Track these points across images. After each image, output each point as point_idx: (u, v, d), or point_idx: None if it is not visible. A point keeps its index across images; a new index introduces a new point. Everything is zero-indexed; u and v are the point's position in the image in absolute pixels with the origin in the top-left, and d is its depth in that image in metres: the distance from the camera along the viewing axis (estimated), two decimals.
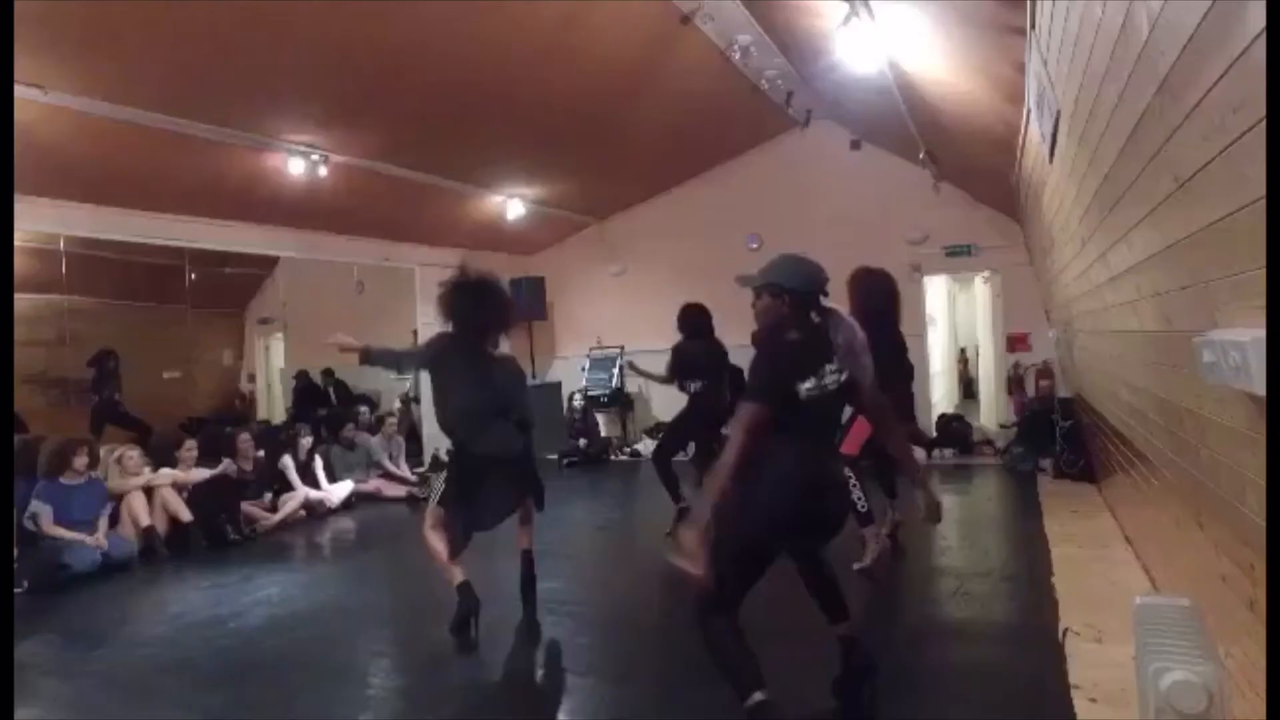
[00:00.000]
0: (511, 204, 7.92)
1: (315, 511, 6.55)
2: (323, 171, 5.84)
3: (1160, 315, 2.26)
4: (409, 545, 5.81)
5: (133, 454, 5.71)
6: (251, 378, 11.55)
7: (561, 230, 9.62)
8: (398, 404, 9.78)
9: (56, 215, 5.75)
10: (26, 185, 5.17)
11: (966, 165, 6.40)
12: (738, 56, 6.12)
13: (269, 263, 10.65)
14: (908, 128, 6.13)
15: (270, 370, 11.62)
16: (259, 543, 5.83)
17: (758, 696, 2.11)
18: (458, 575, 3.57)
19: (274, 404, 11.44)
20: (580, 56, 5.36)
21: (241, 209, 6.56)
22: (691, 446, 5.80)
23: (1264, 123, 1.14)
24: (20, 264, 7.31)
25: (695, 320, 5.55)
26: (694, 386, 5.46)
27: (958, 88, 4.45)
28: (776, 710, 2.12)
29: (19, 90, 4.09)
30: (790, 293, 2.41)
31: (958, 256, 8.01)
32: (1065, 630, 3.05)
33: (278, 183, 5.97)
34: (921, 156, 6.79)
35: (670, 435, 5.70)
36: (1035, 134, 3.80)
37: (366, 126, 5.73)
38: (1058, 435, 6.29)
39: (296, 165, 5.70)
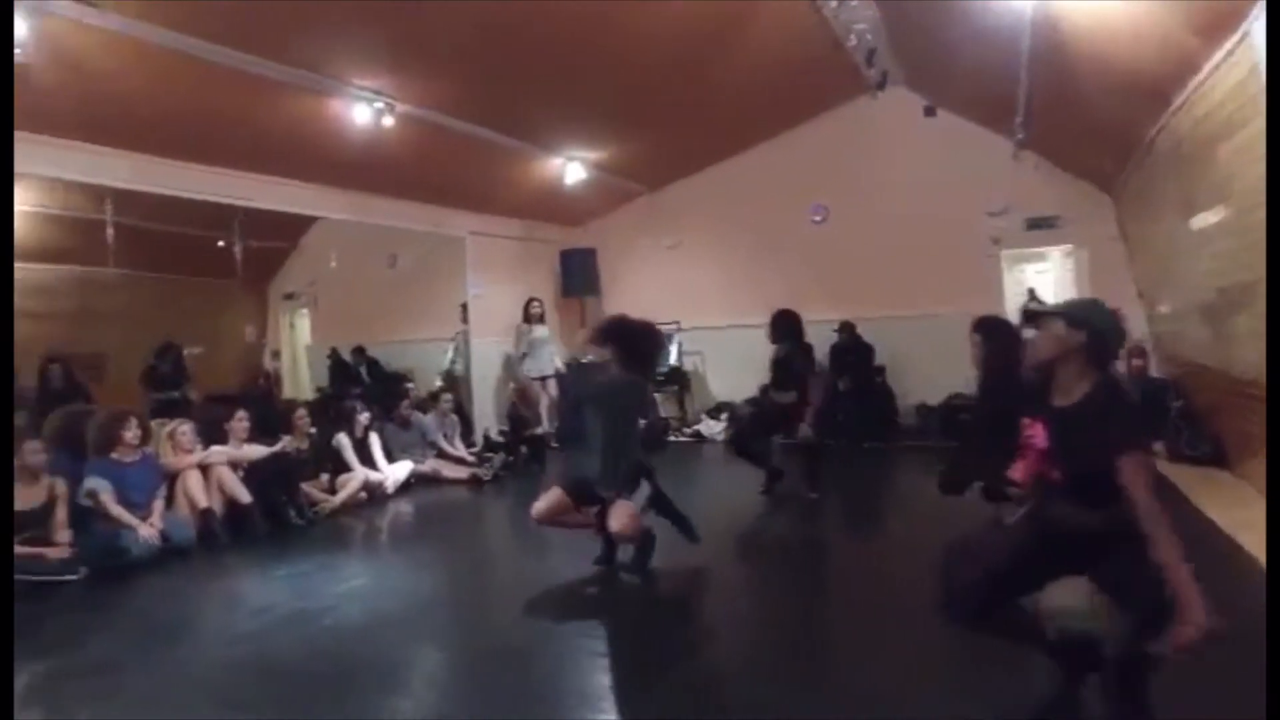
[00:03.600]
0: (571, 167, 7.45)
1: (374, 494, 6.11)
2: (388, 121, 5.36)
3: None
4: (487, 529, 5.47)
5: (185, 429, 5.25)
6: (276, 354, 11.08)
7: (612, 200, 9.15)
8: (439, 383, 9.32)
9: (90, 162, 5.22)
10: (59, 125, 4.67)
11: (1081, 125, 5.96)
12: (833, 3, 5.69)
13: (295, 234, 10.16)
14: (1011, 84, 5.69)
15: (296, 347, 11.14)
16: (321, 526, 5.39)
17: None
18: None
19: (299, 382, 10.97)
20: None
21: (294, 164, 6.06)
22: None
23: None
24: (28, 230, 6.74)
25: (786, 326, 5.61)
26: (785, 398, 5.47)
27: (1120, 22, 4.00)
28: None
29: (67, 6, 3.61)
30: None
31: (1040, 229, 7.59)
32: None
33: (336, 134, 5.49)
34: (1019, 119, 6.36)
35: (750, 429, 5.78)
36: (1243, 66, 3.39)
37: (435, 73, 5.25)
38: (1173, 416, 5.90)
39: (362, 113, 5.22)
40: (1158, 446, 5.98)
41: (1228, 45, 3.44)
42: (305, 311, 10.95)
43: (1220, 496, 4.82)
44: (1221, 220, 4.31)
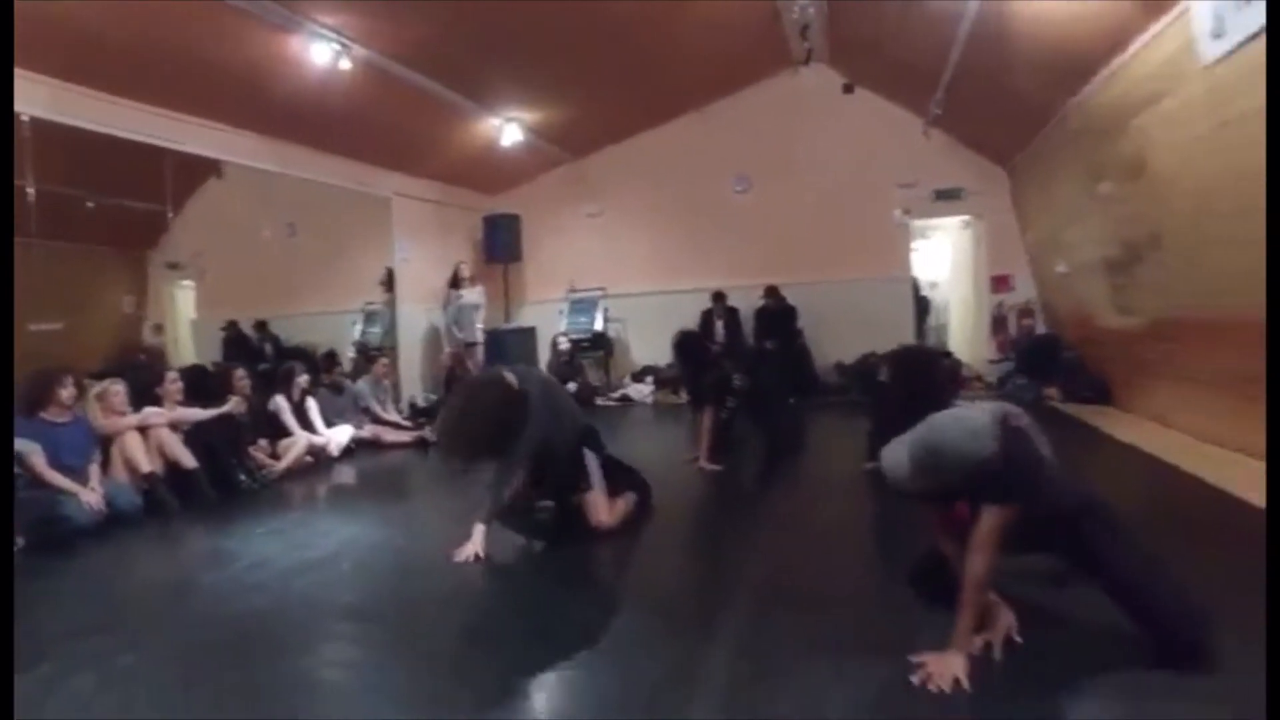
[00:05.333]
0: (509, 128, 7.33)
1: (318, 458, 5.83)
2: (345, 65, 5.11)
3: None
4: (448, 487, 5.33)
5: (118, 389, 4.80)
6: (158, 329, 10.16)
7: (536, 167, 9.07)
8: (352, 355, 8.91)
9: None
10: None
11: (993, 103, 6.55)
12: None
13: (179, 196, 9.35)
14: (934, 65, 6.18)
15: (180, 321, 10.26)
16: (270, 490, 5.08)
17: None
18: None
19: (184, 359, 10.10)
20: None
21: (233, 109, 5.62)
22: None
23: None
24: None
25: None
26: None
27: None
28: None
29: None
30: None
31: (946, 200, 8.27)
32: None
33: (284, 76, 5.17)
34: (938, 96, 6.90)
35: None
36: (1175, 42, 3.90)
37: (389, 18, 5.03)
38: (1065, 364, 6.67)
39: (320, 53, 4.94)
40: (1052, 391, 6.75)
41: (1164, 21, 3.93)
42: (190, 283, 10.12)
43: (1113, 423, 5.59)
44: (1132, 184, 4.91)
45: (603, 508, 3.63)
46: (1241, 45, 3.41)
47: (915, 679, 1.98)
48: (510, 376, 3.31)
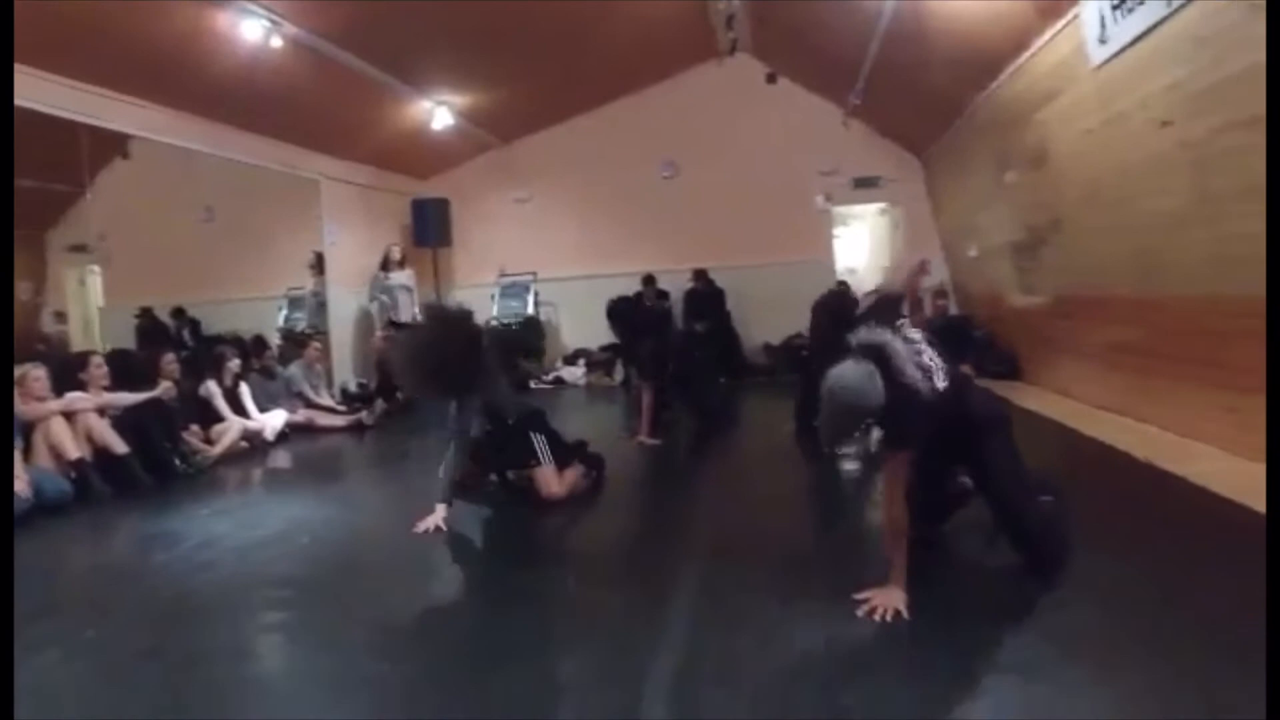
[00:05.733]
0: (439, 112, 7.30)
1: (253, 443, 5.74)
2: (276, 42, 5.03)
3: None
4: (390, 468, 5.35)
5: (39, 374, 4.61)
6: (60, 316, 9.63)
7: (464, 152, 9.02)
8: (278, 342, 8.68)
9: None
10: None
11: (909, 96, 6.94)
12: None
13: (81, 176, 8.89)
14: (855, 58, 6.51)
15: (88, 308, 9.75)
16: (206, 476, 4.98)
17: None
18: None
19: (93, 348, 9.64)
20: None
21: (154, 83, 5.40)
22: None
23: None
24: None
25: None
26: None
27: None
28: None
29: None
30: None
31: (865, 188, 8.67)
32: None
33: (211, 52, 5.04)
34: (858, 87, 7.25)
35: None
36: (1067, 45, 4.29)
37: None
38: (976, 342, 7.15)
39: (251, 29, 4.85)
40: (966, 367, 7.22)
41: (1059, 25, 4.31)
42: (97, 268, 9.62)
43: (1022, 395, 6.03)
44: (1034, 173, 5.35)
45: (553, 480, 3.79)
46: (1123, 49, 3.79)
47: (861, 612, 2.22)
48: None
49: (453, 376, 3.27)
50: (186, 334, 8.87)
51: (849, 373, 2.18)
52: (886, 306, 3.18)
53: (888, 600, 2.22)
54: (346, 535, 3.57)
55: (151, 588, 2.94)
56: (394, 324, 8.13)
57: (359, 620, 2.53)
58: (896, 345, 2.22)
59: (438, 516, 3.32)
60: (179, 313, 8.91)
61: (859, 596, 2.28)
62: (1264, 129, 2.97)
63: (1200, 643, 1.97)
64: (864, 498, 3.84)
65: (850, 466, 4.37)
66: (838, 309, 4.70)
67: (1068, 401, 5.44)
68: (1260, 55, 2.89)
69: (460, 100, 7.41)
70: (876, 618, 2.19)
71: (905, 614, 2.20)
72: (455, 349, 3.26)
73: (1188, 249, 3.62)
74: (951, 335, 7.40)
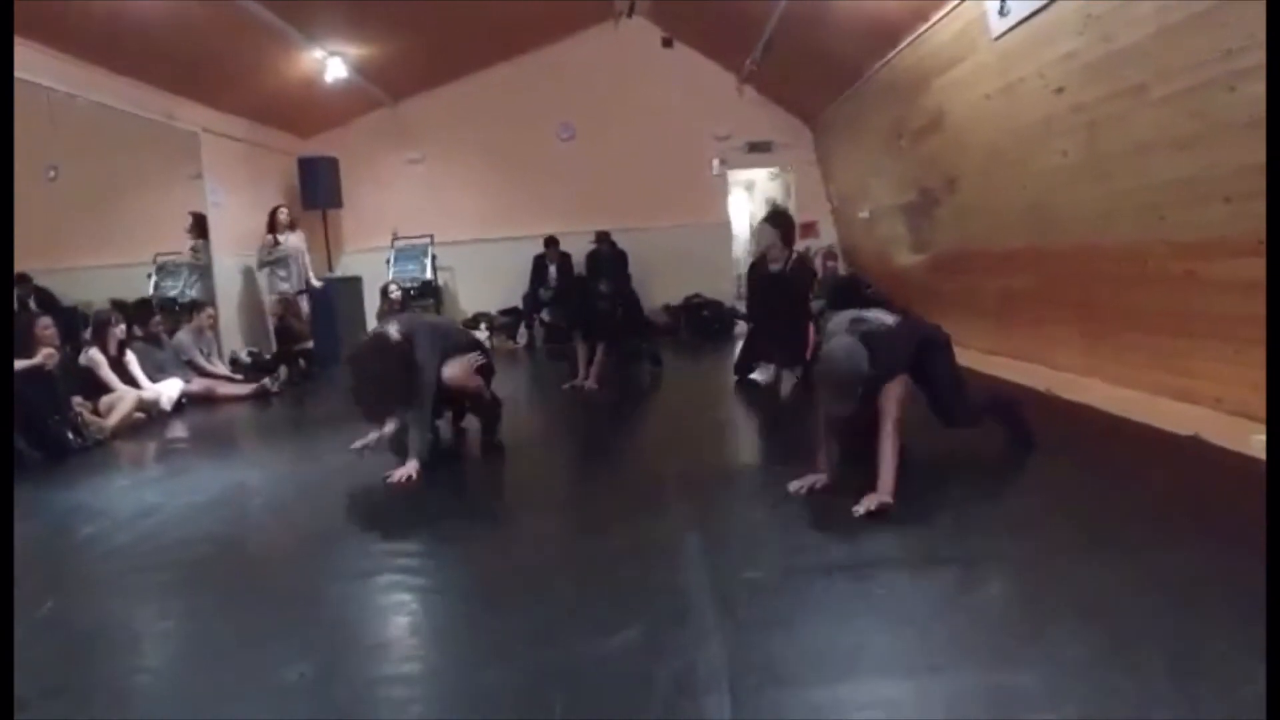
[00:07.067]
0: (332, 63, 6.91)
1: (150, 414, 5.32)
2: None
3: None
4: (302, 433, 5.12)
5: None
6: None
7: (351, 110, 8.59)
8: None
9: None
10: None
11: (803, 64, 7.25)
12: None
13: None
14: (754, 25, 6.74)
15: None
16: (102, 449, 4.59)
17: None
18: None
19: None
20: None
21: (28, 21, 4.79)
22: None
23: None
24: None
25: None
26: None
27: None
28: None
29: None
30: None
31: (758, 153, 9.01)
32: None
33: None
34: (755, 56, 7.50)
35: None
36: (964, 19, 4.68)
37: None
38: (868, 299, 7.67)
39: None
40: None
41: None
42: None
43: None
44: (931, 137, 5.78)
45: (457, 367, 3.71)
46: (1022, 22, 4.19)
47: (858, 510, 2.48)
48: (393, 331, 3.56)
49: (397, 396, 3.45)
50: (33, 304, 7.99)
51: (839, 350, 2.61)
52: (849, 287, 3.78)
53: (876, 499, 2.51)
54: (295, 492, 3.44)
55: (99, 555, 2.75)
56: (286, 293, 7.71)
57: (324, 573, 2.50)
58: (864, 314, 2.84)
59: (410, 468, 3.29)
60: (24, 280, 7.98)
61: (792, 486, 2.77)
62: (1148, 97, 3.43)
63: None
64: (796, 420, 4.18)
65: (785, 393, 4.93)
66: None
67: (966, 351, 5.96)
68: (1146, 31, 3.33)
69: (354, 52, 7.04)
70: (863, 509, 2.48)
71: (892, 504, 2.51)
72: (390, 379, 3.39)
73: (1079, 204, 4.10)
74: (844, 293, 7.91)
